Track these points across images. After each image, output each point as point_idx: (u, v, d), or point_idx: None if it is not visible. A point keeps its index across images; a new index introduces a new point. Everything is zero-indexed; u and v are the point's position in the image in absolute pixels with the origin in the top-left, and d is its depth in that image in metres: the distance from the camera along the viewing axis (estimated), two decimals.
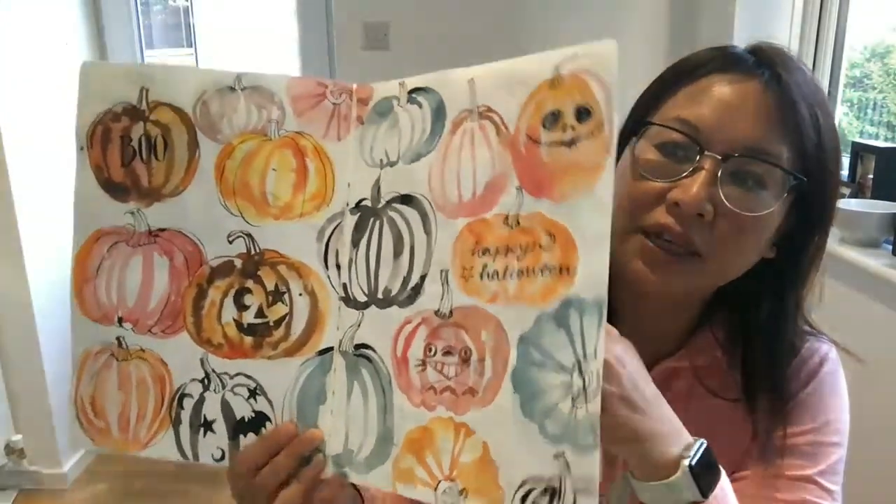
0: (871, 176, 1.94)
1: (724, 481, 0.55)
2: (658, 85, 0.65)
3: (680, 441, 0.54)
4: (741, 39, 0.67)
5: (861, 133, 2.33)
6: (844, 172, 2.08)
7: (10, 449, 2.32)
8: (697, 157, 0.59)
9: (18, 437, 2.33)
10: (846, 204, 1.85)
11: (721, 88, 0.60)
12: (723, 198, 0.58)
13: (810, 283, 0.68)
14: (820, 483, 0.64)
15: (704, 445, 0.54)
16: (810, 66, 2.28)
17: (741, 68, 0.61)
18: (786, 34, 2.27)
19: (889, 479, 1.62)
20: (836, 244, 1.79)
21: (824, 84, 2.29)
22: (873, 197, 1.90)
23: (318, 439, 0.57)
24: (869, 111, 2.35)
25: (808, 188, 0.61)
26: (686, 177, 0.59)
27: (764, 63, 0.61)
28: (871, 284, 1.67)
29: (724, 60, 0.62)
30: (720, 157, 0.58)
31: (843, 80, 2.28)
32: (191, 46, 2.98)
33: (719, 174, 0.58)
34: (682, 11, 2.46)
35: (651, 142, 0.62)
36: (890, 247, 1.70)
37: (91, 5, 2.62)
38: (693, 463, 0.52)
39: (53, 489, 2.39)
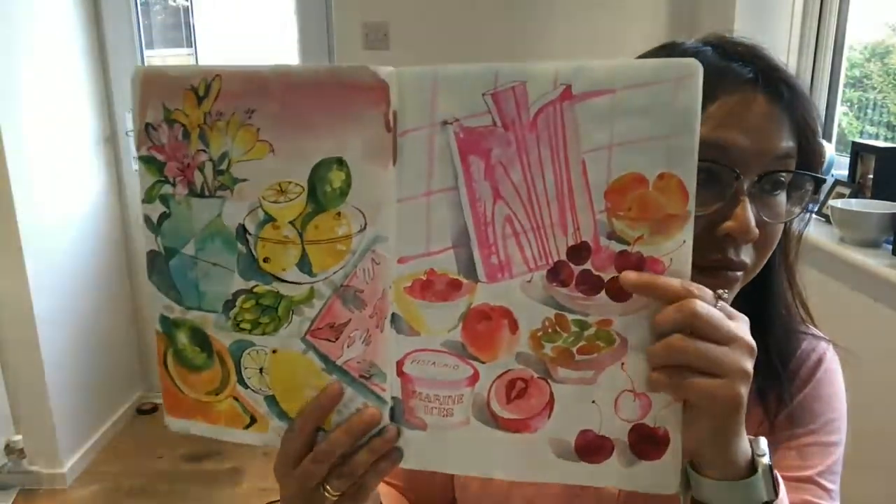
0: (871, 176, 1.94)
1: (782, 481, 0.55)
2: None
3: (747, 439, 0.53)
4: None
5: (861, 133, 2.33)
6: (844, 172, 2.09)
7: (10, 449, 2.32)
8: (734, 183, 0.58)
9: (18, 437, 2.33)
10: (846, 204, 1.85)
11: (737, 108, 0.59)
12: (762, 215, 0.60)
13: (798, 250, 0.70)
14: (819, 483, 0.64)
15: (767, 443, 0.54)
16: (810, 66, 2.29)
17: (739, 81, 0.60)
18: (786, 34, 2.27)
19: (889, 478, 1.62)
20: (836, 244, 1.79)
21: (824, 84, 2.29)
22: (873, 197, 1.90)
23: (376, 420, 0.54)
24: (869, 111, 2.36)
25: (810, 167, 0.62)
26: (726, 205, 0.58)
27: (750, 66, 0.61)
28: (871, 284, 1.67)
29: (720, 77, 0.60)
30: (756, 178, 0.59)
31: (843, 80, 2.28)
32: (191, 46, 2.98)
33: (755, 193, 0.59)
34: (682, 12, 2.46)
35: None
36: (890, 247, 1.70)
37: (91, 5, 2.63)
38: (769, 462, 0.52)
39: (53, 489, 2.39)
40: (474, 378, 0.53)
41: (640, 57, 0.65)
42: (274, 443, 0.57)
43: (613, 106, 0.48)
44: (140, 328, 2.90)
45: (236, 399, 0.57)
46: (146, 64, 2.76)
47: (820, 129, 0.64)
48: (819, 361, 0.69)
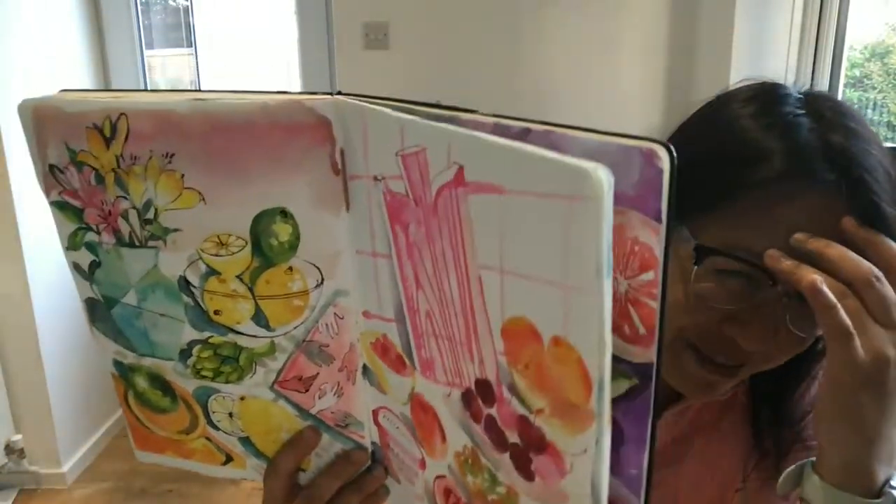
0: None
1: None
2: (703, 175, 0.51)
3: (891, 463, 0.47)
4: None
5: None
6: None
7: (10, 449, 2.31)
8: (767, 290, 0.50)
9: (18, 437, 2.33)
10: None
11: (795, 218, 0.49)
12: (790, 325, 0.51)
13: None
14: None
15: None
16: (810, 66, 2.29)
17: (811, 176, 0.50)
18: (785, 34, 2.27)
19: None
20: None
21: (824, 84, 2.29)
22: None
23: (363, 462, 0.54)
24: (869, 111, 2.35)
25: None
26: (750, 309, 0.51)
27: (837, 157, 0.50)
28: None
29: (787, 161, 0.50)
30: (793, 293, 0.49)
31: (843, 80, 2.28)
32: (190, 46, 2.98)
33: (785, 302, 0.50)
34: (682, 11, 2.46)
35: (711, 266, 0.51)
36: None
37: (91, 5, 2.62)
38: None
39: (53, 489, 2.38)
40: (423, 464, 0.49)
41: (718, 96, 0.55)
42: (253, 477, 0.56)
43: (503, 210, 0.31)
44: None
45: (209, 439, 0.54)
46: (138, 67, 2.76)
47: None
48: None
